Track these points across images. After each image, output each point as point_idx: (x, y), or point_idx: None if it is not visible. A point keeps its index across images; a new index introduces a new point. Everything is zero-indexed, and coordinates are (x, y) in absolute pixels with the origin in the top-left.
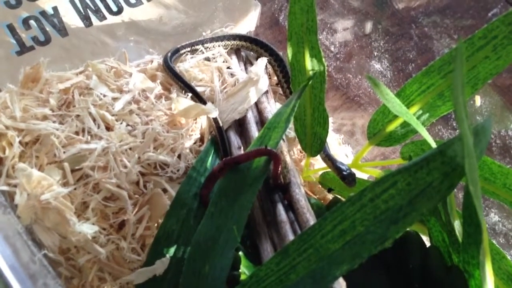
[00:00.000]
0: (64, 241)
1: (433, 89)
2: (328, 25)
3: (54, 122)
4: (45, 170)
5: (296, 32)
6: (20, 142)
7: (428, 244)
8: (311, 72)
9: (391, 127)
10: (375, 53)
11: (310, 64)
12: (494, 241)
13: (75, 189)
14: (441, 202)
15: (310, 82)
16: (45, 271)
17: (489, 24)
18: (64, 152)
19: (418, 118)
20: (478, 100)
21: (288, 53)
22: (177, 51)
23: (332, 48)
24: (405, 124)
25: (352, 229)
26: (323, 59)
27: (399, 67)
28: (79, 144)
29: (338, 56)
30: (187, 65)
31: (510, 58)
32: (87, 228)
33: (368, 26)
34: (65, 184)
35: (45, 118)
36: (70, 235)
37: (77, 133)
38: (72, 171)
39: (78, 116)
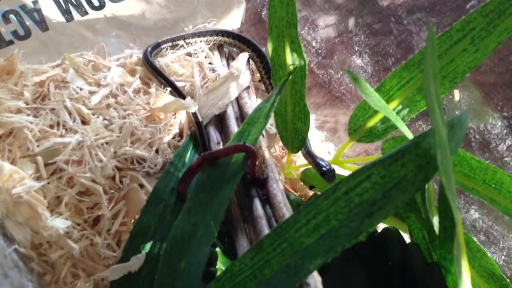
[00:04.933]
0: (36, 236)
1: (412, 83)
2: (310, 21)
3: (28, 115)
4: (17, 164)
5: (276, 26)
6: None
7: (408, 241)
8: (291, 67)
9: (372, 122)
10: (357, 48)
11: (290, 58)
12: (474, 239)
13: (48, 183)
14: (421, 198)
15: (290, 77)
16: (11, 264)
17: (466, 16)
18: (37, 146)
19: (398, 113)
20: (457, 95)
21: (269, 48)
22: (157, 45)
23: (314, 44)
24: (385, 120)
25: (326, 223)
26: (304, 54)
27: (380, 62)
28: (53, 137)
29: (320, 52)
30: (168, 60)
31: (489, 51)
32: (60, 223)
33: (351, 23)
34: (38, 178)
35: (19, 111)
36: (42, 230)
37: (51, 126)
38: (46, 165)
39: (53, 109)
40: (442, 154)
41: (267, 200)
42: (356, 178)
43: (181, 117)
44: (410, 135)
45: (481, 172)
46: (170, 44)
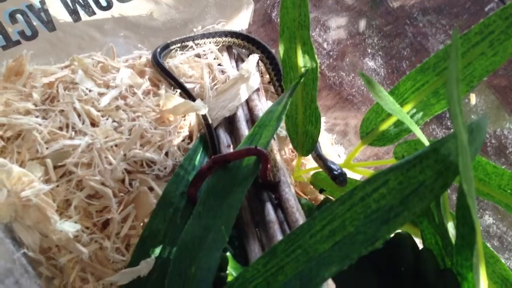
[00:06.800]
0: (45, 240)
1: (427, 86)
2: (322, 22)
3: (37, 117)
4: (26, 166)
5: (288, 27)
6: (1, 137)
7: (421, 246)
8: (303, 69)
9: (384, 126)
10: (369, 50)
11: (302, 60)
12: (488, 244)
13: (57, 186)
14: (435, 203)
15: (302, 79)
16: (22, 270)
17: (485, 18)
18: (46, 148)
19: (411, 116)
20: (473, 99)
21: (280, 49)
22: (166, 46)
23: (325, 46)
24: (398, 123)
25: (342, 229)
26: (316, 56)
27: (393, 65)
28: (62, 140)
29: (331, 53)
30: (177, 61)
31: (508, 54)
32: (69, 227)
33: (362, 24)
34: (47, 181)
35: (27, 112)
36: (51, 233)
37: (60, 128)
38: (55, 167)
39: (62, 111)
40: (464, 160)
41: (279, 205)
42: (373, 183)
43: (191, 119)
44: (424, 139)
45: (497, 177)
46: (179, 45)
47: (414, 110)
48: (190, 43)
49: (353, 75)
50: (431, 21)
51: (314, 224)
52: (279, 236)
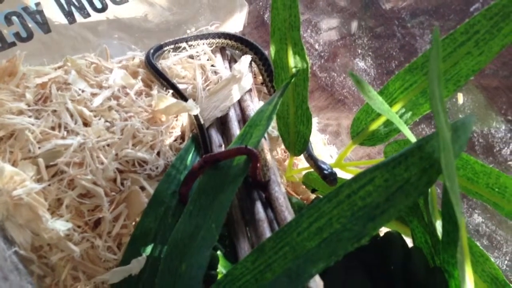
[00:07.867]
0: (36, 238)
1: (416, 86)
2: (313, 23)
3: (29, 117)
4: (18, 166)
5: (279, 28)
6: None
7: (411, 245)
8: (294, 69)
9: (374, 125)
10: (360, 51)
11: (293, 61)
12: (478, 243)
13: (49, 185)
14: (423, 201)
15: (293, 80)
16: (11, 267)
17: (470, 18)
18: (39, 148)
19: (401, 116)
20: (460, 98)
21: (271, 50)
22: (160, 48)
23: (317, 47)
24: (388, 123)
25: (328, 226)
26: (307, 56)
27: (383, 65)
28: (54, 139)
29: (322, 54)
30: (170, 62)
31: (493, 54)
32: (61, 225)
33: (353, 25)
34: (39, 180)
35: (20, 112)
36: (43, 232)
37: (53, 128)
38: (47, 167)
39: (54, 111)
40: (446, 157)
41: (269, 203)
42: (359, 181)
43: (183, 120)
44: (413, 139)
45: (485, 176)
46: (172, 46)
47: (403, 110)
48: (184, 44)
49: (344, 76)
50: (419, 22)
51: (301, 221)
52: (268, 235)
